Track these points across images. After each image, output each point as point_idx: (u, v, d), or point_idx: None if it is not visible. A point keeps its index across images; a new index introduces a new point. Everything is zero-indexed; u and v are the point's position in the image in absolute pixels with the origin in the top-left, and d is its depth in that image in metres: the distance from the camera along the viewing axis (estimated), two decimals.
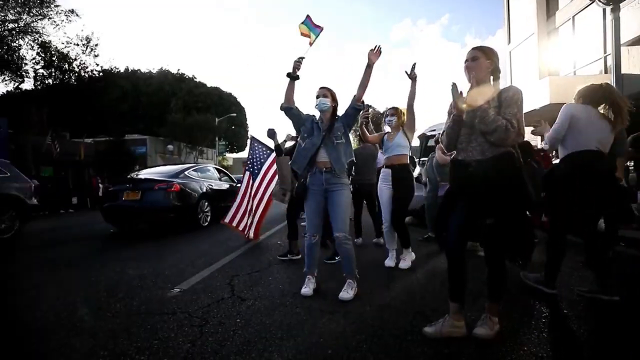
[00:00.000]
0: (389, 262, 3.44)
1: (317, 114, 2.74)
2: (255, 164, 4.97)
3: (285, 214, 4.07)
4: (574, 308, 2.29)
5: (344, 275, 2.64)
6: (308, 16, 2.90)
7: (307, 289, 2.63)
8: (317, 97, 2.66)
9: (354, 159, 2.71)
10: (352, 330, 2.01)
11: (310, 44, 2.90)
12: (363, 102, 2.58)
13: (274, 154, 4.63)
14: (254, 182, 4.96)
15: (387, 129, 3.59)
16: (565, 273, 3.06)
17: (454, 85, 1.84)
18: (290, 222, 3.94)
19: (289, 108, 2.67)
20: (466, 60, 1.90)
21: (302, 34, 2.93)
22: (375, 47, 2.45)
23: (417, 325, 2.04)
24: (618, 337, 1.94)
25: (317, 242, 2.69)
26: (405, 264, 3.31)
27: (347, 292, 2.52)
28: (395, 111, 3.41)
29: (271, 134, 4.15)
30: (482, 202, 1.81)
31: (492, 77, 1.88)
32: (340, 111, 2.75)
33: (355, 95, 2.56)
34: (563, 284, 2.76)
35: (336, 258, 3.54)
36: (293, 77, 2.63)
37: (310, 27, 2.89)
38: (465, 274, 1.90)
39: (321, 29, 2.89)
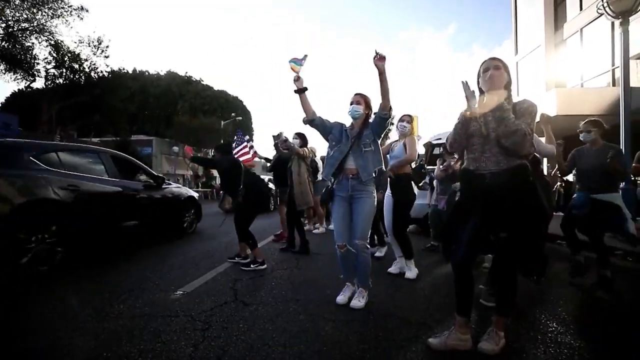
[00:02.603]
0: (394, 269, 3.43)
1: (349, 121, 2.69)
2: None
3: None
4: (581, 323, 2.25)
5: (356, 283, 2.63)
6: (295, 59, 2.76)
7: (342, 297, 2.59)
8: (351, 103, 2.63)
9: (383, 167, 2.65)
10: (355, 339, 1.99)
11: (297, 72, 2.76)
12: (391, 108, 2.50)
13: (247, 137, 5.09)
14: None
15: (395, 135, 3.60)
16: (573, 288, 3.03)
17: (465, 83, 1.79)
18: (239, 229, 3.89)
19: (311, 120, 2.66)
20: (488, 69, 1.84)
21: (292, 68, 2.79)
22: (376, 53, 2.27)
23: (421, 336, 2.02)
24: (627, 355, 1.91)
25: (347, 250, 2.58)
26: (411, 274, 3.27)
27: (359, 301, 2.51)
28: (410, 119, 3.41)
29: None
30: (496, 215, 1.78)
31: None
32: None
33: (381, 104, 2.48)
34: (569, 299, 2.73)
35: (251, 266, 3.61)
36: (300, 90, 2.61)
37: (297, 63, 2.77)
38: (473, 287, 1.88)
39: (305, 57, 2.76)
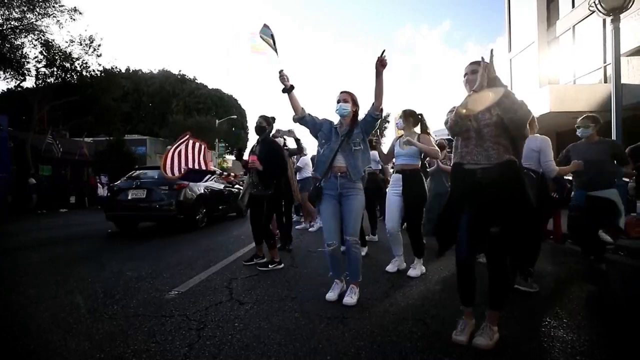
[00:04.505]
0: (391, 267, 3.41)
1: (337, 119, 2.69)
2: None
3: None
4: (574, 317, 2.28)
5: (347, 279, 2.64)
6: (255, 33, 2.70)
7: (332, 294, 2.60)
8: (338, 101, 2.63)
9: (372, 165, 2.66)
10: (351, 337, 1.99)
11: (275, 49, 2.72)
12: (382, 110, 2.54)
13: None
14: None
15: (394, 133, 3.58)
16: (566, 282, 3.06)
17: (492, 51, 1.87)
18: (254, 230, 3.86)
19: (301, 118, 2.66)
20: (465, 74, 1.96)
21: (257, 51, 2.75)
22: (382, 54, 2.35)
23: (416, 332, 2.03)
24: (619, 347, 1.93)
25: (337, 249, 2.60)
26: (414, 272, 3.23)
27: (351, 297, 2.52)
28: (403, 114, 3.39)
29: (237, 155, 4.36)
30: (489, 210, 1.83)
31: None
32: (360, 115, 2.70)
33: (373, 104, 2.51)
34: (563, 293, 2.76)
35: (269, 266, 3.54)
36: (287, 89, 2.60)
37: (263, 36, 2.69)
38: (475, 280, 1.95)
39: (265, 27, 2.69)
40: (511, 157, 1.84)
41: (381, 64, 2.35)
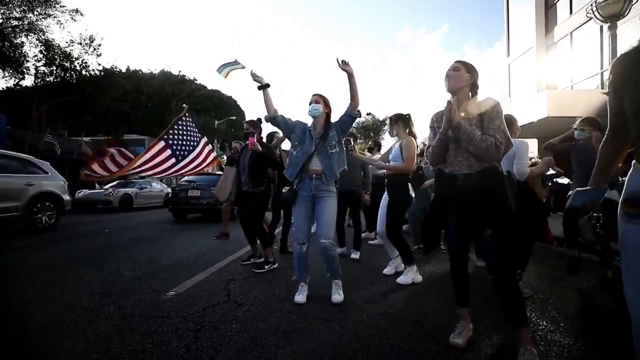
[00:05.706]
0: (389, 270, 3.41)
1: (310, 121, 2.74)
2: (182, 144, 5.11)
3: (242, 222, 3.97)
4: (570, 321, 2.29)
5: (328, 276, 2.69)
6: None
7: (300, 296, 2.62)
8: (310, 103, 2.68)
9: (346, 167, 2.70)
10: (348, 339, 2.00)
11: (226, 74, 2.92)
12: (359, 111, 2.58)
13: (204, 139, 5.12)
14: (176, 163, 5.18)
15: (390, 139, 3.55)
16: (563, 286, 3.07)
17: (449, 102, 1.84)
18: (246, 229, 3.90)
19: (272, 118, 2.70)
20: (447, 71, 1.94)
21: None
22: (339, 61, 2.39)
23: (413, 334, 2.03)
24: (617, 352, 1.94)
25: (306, 250, 2.66)
26: (404, 278, 3.14)
27: (339, 294, 2.59)
28: (390, 120, 3.37)
29: (222, 147, 4.32)
30: (471, 214, 1.84)
31: (470, 92, 1.89)
32: (334, 117, 2.73)
33: (351, 104, 2.56)
34: (559, 297, 2.77)
35: (265, 267, 3.55)
36: (263, 86, 2.65)
37: (226, 67, 2.88)
38: (469, 281, 1.98)
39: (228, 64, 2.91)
40: (493, 164, 1.83)
41: (344, 64, 2.38)
